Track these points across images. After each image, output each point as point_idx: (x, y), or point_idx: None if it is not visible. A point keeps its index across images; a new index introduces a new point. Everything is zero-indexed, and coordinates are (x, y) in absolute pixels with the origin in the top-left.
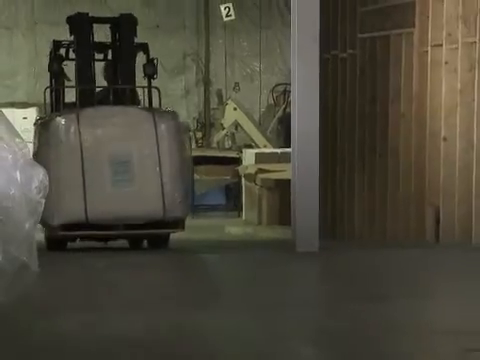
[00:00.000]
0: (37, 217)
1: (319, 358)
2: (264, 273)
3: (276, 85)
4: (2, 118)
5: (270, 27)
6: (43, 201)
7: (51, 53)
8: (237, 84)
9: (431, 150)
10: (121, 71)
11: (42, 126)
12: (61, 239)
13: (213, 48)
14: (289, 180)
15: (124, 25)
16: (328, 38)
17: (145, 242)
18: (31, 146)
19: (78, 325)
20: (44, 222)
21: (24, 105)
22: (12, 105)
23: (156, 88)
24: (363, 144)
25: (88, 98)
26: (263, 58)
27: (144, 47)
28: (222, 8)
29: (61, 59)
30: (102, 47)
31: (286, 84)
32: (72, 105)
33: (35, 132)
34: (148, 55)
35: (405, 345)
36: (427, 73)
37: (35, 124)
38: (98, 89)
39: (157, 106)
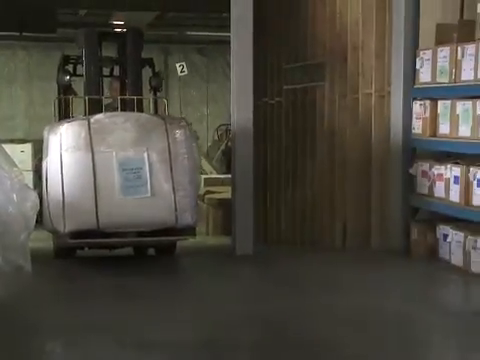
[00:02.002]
0: (30, 229)
1: (257, 341)
2: (212, 271)
3: (220, 125)
4: (2, 152)
5: (215, 81)
6: (35, 217)
7: (59, 66)
8: (190, 124)
9: (339, 176)
10: (128, 84)
11: (52, 132)
12: (70, 247)
13: (171, 97)
14: (230, 199)
15: (131, 39)
16: (260, 89)
17: (150, 249)
18: (26, 174)
19: (61, 312)
20: (53, 229)
21: (22, 141)
22: (12, 141)
23: (164, 99)
24: (288, 170)
25: (96, 111)
26: (210, 105)
27: (149, 61)
28: (177, 66)
29: (68, 73)
30: (110, 61)
31: (227, 124)
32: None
33: (45, 139)
34: (154, 69)
35: (319, 326)
36: (335, 116)
37: (45, 131)
38: (106, 102)
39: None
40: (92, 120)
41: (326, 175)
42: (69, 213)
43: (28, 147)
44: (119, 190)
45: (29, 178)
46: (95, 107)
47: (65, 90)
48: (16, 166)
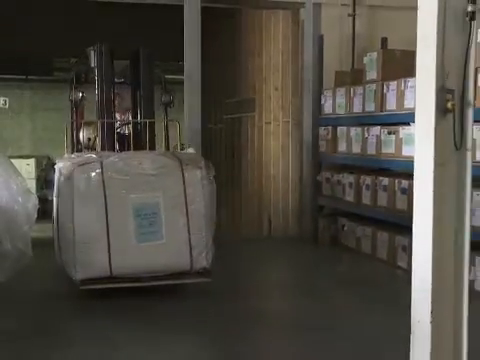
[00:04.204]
0: (32, 223)
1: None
2: None
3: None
4: (11, 165)
5: (176, 111)
6: (35, 214)
7: (72, 82)
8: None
9: (265, 182)
10: (141, 101)
11: (64, 174)
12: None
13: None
14: None
15: (144, 57)
16: (206, 117)
17: None
18: (29, 182)
19: (54, 285)
20: (67, 273)
21: (27, 157)
22: (20, 157)
23: (177, 121)
24: (227, 178)
25: (109, 129)
26: (170, 127)
27: (160, 77)
28: None
29: (81, 90)
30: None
31: (183, 144)
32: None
33: (56, 177)
34: (165, 85)
35: (250, 299)
36: (263, 139)
37: (56, 169)
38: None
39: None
40: (105, 163)
41: (256, 182)
42: (81, 261)
43: (32, 161)
44: (133, 237)
45: (32, 184)
46: (108, 128)
47: (77, 106)
48: (21, 175)
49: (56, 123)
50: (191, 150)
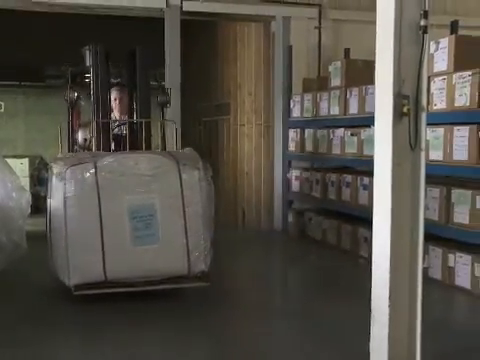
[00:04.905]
0: (25, 218)
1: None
2: None
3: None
4: (5, 164)
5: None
6: (29, 209)
7: (67, 82)
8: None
9: (240, 178)
10: (137, 102)
11: (56, 174)
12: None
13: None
14: None
15: (141, 57)
16: (186, 120)
17: None
18: (23, 180)
19: (46, 276)
20: (59, 278)
21: (21, 156)
22: (14, 156)
23: (174, 121)
24: None
25: (105, 129)
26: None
27: (157, 77)
28: None
29: (77, 90)
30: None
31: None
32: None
33: (49, 177)
34: (161, 86)
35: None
36: (237, 139)
37: (49, 168)
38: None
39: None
40: (99, 163)
41: (231, 178)
42: (74, 265)
43: (26, 160)
44: (128, 240)
45: (26, 182)
46: (104, 128)
47: (72, 106)
48: (15, 173)
49: (48, 125)
50: (188, 150)
